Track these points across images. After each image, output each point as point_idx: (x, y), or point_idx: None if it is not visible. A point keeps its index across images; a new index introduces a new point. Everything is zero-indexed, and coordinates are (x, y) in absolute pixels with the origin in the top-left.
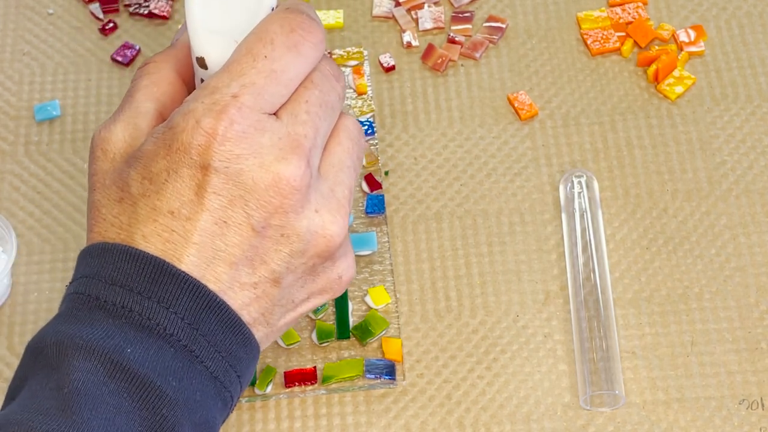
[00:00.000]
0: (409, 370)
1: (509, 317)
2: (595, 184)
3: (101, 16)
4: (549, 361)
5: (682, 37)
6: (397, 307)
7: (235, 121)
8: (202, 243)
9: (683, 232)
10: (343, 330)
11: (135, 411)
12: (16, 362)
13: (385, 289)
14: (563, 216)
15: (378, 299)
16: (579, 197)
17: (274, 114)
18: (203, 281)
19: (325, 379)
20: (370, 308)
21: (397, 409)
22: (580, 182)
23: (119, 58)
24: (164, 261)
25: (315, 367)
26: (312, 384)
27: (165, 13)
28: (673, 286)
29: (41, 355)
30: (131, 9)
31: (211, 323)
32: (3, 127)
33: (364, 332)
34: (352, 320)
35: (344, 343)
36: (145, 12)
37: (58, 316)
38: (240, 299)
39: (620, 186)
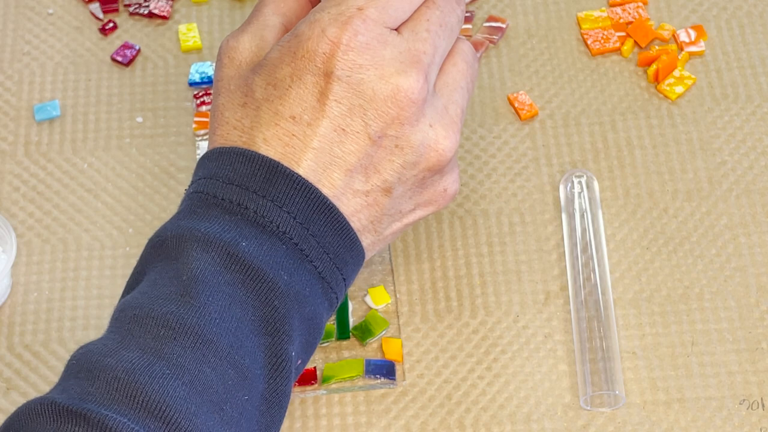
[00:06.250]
0: (409, 370)
1: (509, 317)
2: (596, 184)
3: (101, 16)
4: (549, 362)
5: (683, 37)
6: (397, 307)
7: (359, 32)
8: (321, 148)
9: (683, 233)
10: (343, 330)
11: (249, 300)
12: (16, 362)
13: (385, 289)
14: (563, 216)
15: (378, 299)
16: (579, 197)
17: (396, 30)
18: (318, 185)
19: (325, 379)
20: (370, 308)
21: (397, 409)
22: (580, 182)
23: (119, 58)
24: (279, 163)
25: (315, 367)
26: (312, 384)
27: (165, 13)
28: (673, 286)
29: (161, 248)
30: (131, 9)
31: (321, 225)
32: (3, 127)
33: (364, 332)
34: (352, 320)
35: (344, 343)
36: (145, 12)
37: (178, 214)
38: (351, 206)
39: (620, 186)
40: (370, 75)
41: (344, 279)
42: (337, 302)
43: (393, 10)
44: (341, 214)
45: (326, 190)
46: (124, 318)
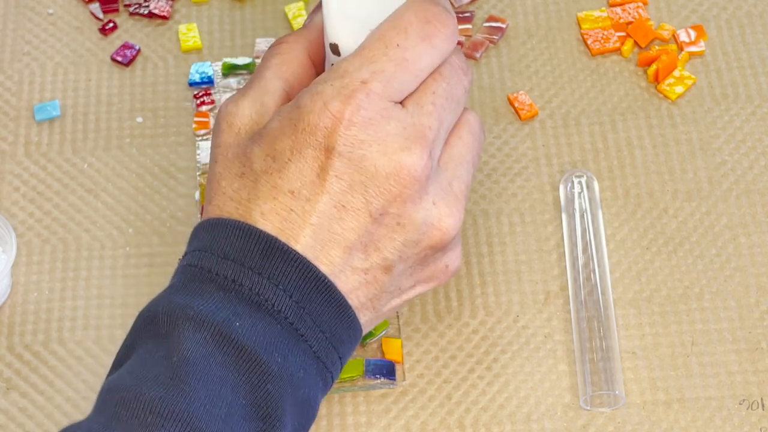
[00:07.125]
0: (409, 370)
1: (509, 317)
2: (596, 184)
3: (101, 16)
4: (549, 362)
5: (683, 37)
6: None
7: (362, 106)
8: (319, 225)
9: (683, 233)
10: None
11: (240, 384)
12: (16, 362)
13: None
14: (563, 216)
15: None
16: (579, 197)
17: (401, 103)
18: (316, 262)
19: None
20: None
21: (397, 409)
22: (580, 182)
23: (119, 58)
24: (276, 238)
25: None
26: None
27: (165, 13)
28: (673, 286)
29: (152, 324)
30: (131, 9)
31: (317, 303)
32: (3, 127)
33: None
34: None
35: None
36: (145, 12)
37: (171, 287)
38: (350, 283)
39: (620, 186)
40: (373, 151)
41: (340, 358)
42: (332, 381)
43: (398, 83)
44: (339, 292)
45: (324, 268)
46: (110, 400)
